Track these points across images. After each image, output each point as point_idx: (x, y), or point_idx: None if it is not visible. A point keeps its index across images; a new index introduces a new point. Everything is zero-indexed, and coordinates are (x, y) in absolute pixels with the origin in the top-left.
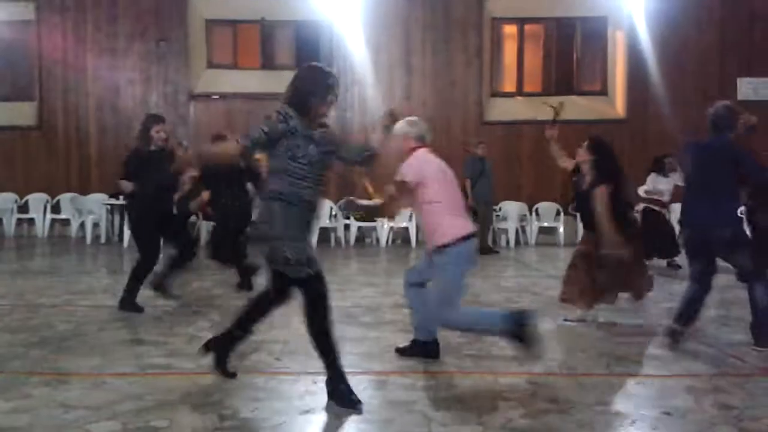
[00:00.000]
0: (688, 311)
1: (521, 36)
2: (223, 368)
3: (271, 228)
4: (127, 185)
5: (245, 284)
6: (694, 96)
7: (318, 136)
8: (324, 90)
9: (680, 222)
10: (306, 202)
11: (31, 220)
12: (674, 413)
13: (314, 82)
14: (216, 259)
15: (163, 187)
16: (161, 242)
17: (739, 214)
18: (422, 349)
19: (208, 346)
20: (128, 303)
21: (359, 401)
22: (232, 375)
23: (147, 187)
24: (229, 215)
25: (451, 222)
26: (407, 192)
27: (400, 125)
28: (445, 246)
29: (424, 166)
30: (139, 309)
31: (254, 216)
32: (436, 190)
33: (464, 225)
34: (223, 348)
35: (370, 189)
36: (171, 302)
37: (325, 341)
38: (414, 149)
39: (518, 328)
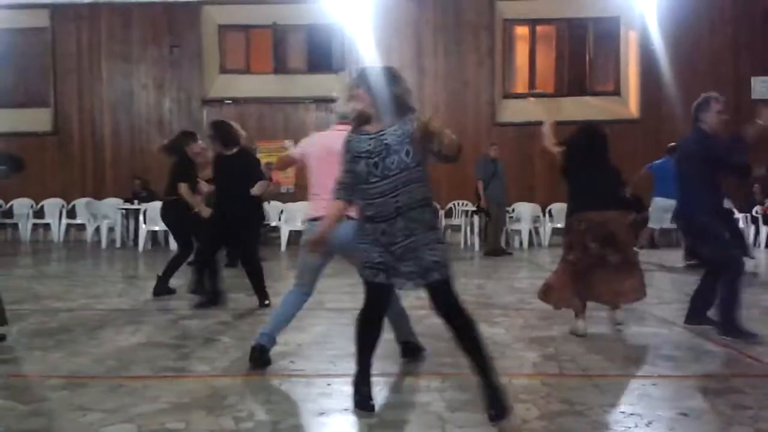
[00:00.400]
0: (694, 304)
1: (533, 37)
2: None
3: None
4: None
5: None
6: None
7: (375, 144)
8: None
9: None
10: (369, 218)
11: (47, 225)
12: (690, 414)
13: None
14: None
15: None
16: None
17: (700, 205)
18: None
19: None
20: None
21: (372, 406)
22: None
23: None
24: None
25: (312, 202)
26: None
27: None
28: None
29: (308, 143)
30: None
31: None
32: (310, 167)
33: (315, 207)
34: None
35: None
36: (185, 306)
37: (356, 339)
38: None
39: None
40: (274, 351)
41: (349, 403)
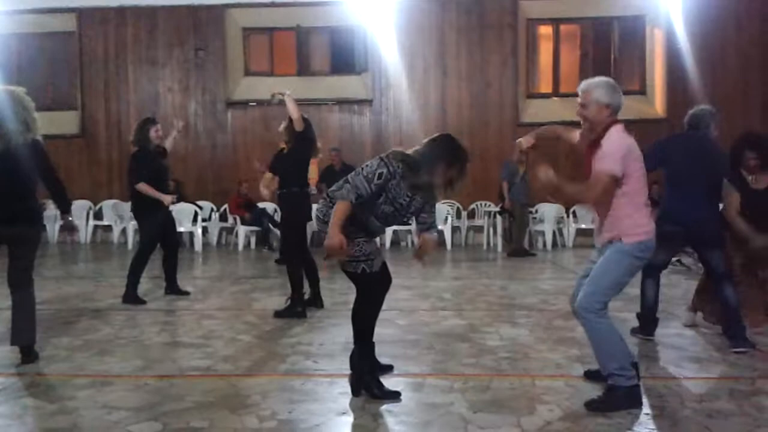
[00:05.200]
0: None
1: (557, 36)
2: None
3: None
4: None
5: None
6: (734, 93)
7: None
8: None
9: None
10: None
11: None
12: (716, 416)
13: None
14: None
15: (160, 181)
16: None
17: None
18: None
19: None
20: (131, 296)
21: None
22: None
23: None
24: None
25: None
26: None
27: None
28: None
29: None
30: (141, 301)
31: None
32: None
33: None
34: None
35: None
36: (209, 306)
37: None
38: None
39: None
40: (297, 351)
41: (371, 403)
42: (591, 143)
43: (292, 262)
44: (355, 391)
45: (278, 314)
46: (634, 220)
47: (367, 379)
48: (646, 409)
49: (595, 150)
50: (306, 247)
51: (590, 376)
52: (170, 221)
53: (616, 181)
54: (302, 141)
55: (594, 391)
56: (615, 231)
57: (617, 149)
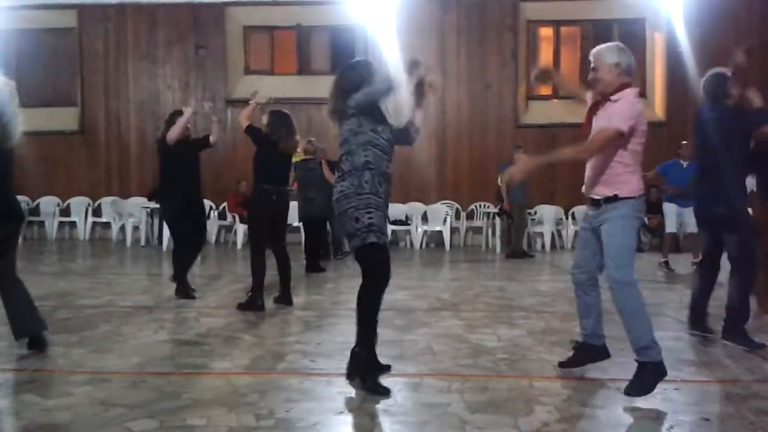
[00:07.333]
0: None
1: (557, 38)
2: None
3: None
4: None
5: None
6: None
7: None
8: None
9: None
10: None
11: (73, 224)
12: (712, 419)
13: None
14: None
15: (187, 174)
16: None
17: (741, 192)
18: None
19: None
20: (180, 290)
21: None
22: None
23: (173, 176)
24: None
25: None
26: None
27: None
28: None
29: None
30: (191, 295)
31: None
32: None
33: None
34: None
35: None
36: (207, 304)
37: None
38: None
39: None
40: (295, 350)
41: (368, 402)
42: (596, 102)
43: (254, 257)
44: (349, 375)
45: (240, 307)
46: (630, 184)
47: (364, 370)
48: (641, 412)
49: (598, 108)
50: (282, 245)
51: (563, 365)
52: (197, 213)
53: (619, 138)
54: (265, 142)
55: (591, 391)
56: (611, 189)
57: (629, 109)
